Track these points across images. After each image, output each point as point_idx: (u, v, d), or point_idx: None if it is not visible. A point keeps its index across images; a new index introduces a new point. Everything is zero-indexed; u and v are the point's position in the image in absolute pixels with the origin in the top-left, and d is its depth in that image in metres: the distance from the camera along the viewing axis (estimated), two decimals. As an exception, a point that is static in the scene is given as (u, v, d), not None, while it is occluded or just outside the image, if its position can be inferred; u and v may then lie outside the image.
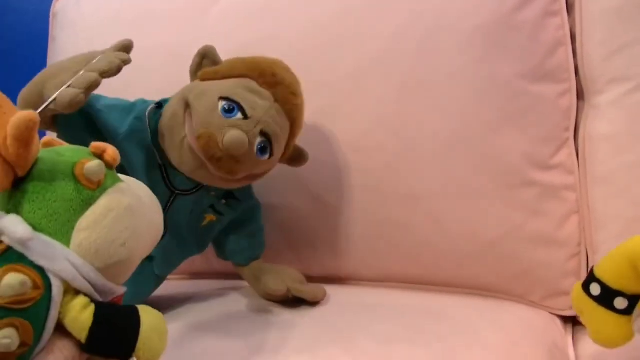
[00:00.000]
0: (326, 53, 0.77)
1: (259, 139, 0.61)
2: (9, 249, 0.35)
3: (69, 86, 0.53)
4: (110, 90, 0.86)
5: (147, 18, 0.90)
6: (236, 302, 0.73)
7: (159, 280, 0.72)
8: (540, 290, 0.71)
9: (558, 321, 0.71)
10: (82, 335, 0.36)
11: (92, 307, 0.37)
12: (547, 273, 0.71)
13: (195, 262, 0.79)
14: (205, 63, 0.67)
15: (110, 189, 0.39)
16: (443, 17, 0.73)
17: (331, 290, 0.73)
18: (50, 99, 0.53)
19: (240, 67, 0.64)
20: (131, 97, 0.69)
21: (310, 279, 0.74)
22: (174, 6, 0.89)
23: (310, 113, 0.75)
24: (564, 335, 0.69)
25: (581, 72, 0.73)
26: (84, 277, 0.37)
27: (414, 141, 0.73)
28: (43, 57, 1.03)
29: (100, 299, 0.39)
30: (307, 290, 0.69)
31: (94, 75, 0.54)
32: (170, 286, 0.78)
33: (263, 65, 0.65)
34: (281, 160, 0.68)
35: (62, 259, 0.36)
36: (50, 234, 0.37)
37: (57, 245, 0.36)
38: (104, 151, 0.41)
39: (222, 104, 0.59)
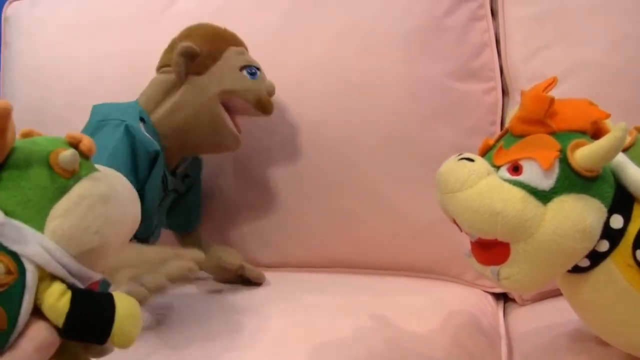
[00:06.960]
0: (274, 56, 0.82)
1: None
2: None
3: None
4: (67, 94, 0.91)
5: (104, 25, 0.93)
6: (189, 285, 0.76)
7: None
8: (473, 270, 0.76)
9: (490, 298, 0.77)
10: (59, 321, 0.37)
11: (69, 294, 0.37)
12: (479, 254, 0.77)
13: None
14: (187, 60, 0.71)
15: (84, 178, 0.39)
16: (379, 22, 0.79)
17: (281, 275, 0.78)
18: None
19: (220, 45, 0.74)
20: (88, 102, 0.72)
21: (258, 265, 0.79)
22: (129, 14, 0.92)
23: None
24: (495, 310, 0.75)
25: (505, 71, 0.80)
26: (58, 262, 0.37)
27: (356, 136, 0.78)
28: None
29: (78, 284, 0.39)
30: (257, 270, 0.75)
31: (165, 282, 0.58)
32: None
33: (223, 34, 0.76)
34: None
35: (35, 244, 0.36)
36: (24, 220, 0.36)
37: (30, 230, 0.37)
38: (79, 141, 0.41)
39: (244, 73, 0.73)
